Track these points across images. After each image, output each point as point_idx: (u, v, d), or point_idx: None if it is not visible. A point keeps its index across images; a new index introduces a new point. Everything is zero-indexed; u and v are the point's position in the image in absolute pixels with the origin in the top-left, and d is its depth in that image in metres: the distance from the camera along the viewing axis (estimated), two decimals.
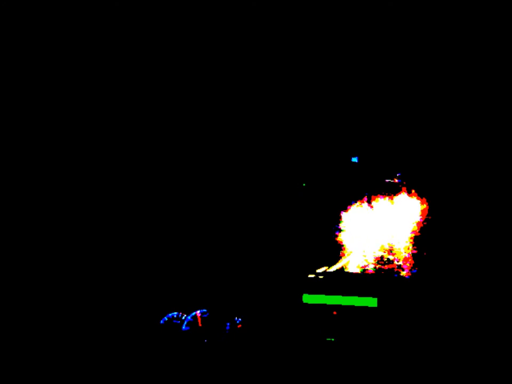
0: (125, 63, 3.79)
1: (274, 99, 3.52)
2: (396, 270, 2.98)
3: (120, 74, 3.70)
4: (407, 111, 3.31)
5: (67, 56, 3.78)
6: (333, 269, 2.95)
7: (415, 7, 3.54)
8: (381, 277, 2.96)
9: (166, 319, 2.73)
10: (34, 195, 3.46)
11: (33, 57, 3.62)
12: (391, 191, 3.10)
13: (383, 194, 3.10)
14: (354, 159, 2.98)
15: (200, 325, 2.74)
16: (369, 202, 3.08)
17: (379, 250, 3.03)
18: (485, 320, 2.49)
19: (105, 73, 3.80)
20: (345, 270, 3.01)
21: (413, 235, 3.03)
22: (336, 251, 2.91)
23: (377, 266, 3.02)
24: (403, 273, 2.97)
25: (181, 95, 3.67)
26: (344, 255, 3.01)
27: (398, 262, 3.01)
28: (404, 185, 3.06)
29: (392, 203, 3.09)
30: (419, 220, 3.05)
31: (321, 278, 3.08)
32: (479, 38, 3.31)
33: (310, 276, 3.06)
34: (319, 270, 2.89)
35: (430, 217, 3.04)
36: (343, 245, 3.04)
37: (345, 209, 3.02)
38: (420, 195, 3.08)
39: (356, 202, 3.04)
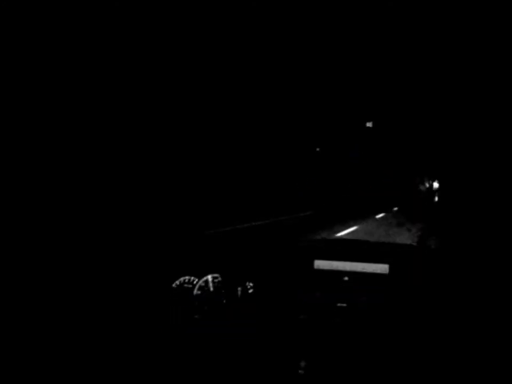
0: (124, 62, 3.67)
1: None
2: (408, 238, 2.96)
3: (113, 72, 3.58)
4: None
5: (67, 56, 3.65)
6: (345, 234, 2.93)
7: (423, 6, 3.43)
8: (393, 243, 2.94)
9: (178, 282, 2.71)
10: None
11: (33, 57, 3.49)
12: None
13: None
14: (369, 124, 2.92)
15: (211, 289, 2.71)
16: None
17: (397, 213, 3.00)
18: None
19: (104, 73, 3.67)
20: (357, 237, 2.99)
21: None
22: (350, 217, 2.89)
23: (389, 233, 2.99)
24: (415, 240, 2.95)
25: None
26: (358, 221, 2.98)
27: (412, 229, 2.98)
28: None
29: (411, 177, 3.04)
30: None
31: (333, 244, 3.06)
32: (480, 37, 3.23)
33: (321, 240, 3.06)
34: (331, 236, 2.87)
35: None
36: (356, 211, 3.00)
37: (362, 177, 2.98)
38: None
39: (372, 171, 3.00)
